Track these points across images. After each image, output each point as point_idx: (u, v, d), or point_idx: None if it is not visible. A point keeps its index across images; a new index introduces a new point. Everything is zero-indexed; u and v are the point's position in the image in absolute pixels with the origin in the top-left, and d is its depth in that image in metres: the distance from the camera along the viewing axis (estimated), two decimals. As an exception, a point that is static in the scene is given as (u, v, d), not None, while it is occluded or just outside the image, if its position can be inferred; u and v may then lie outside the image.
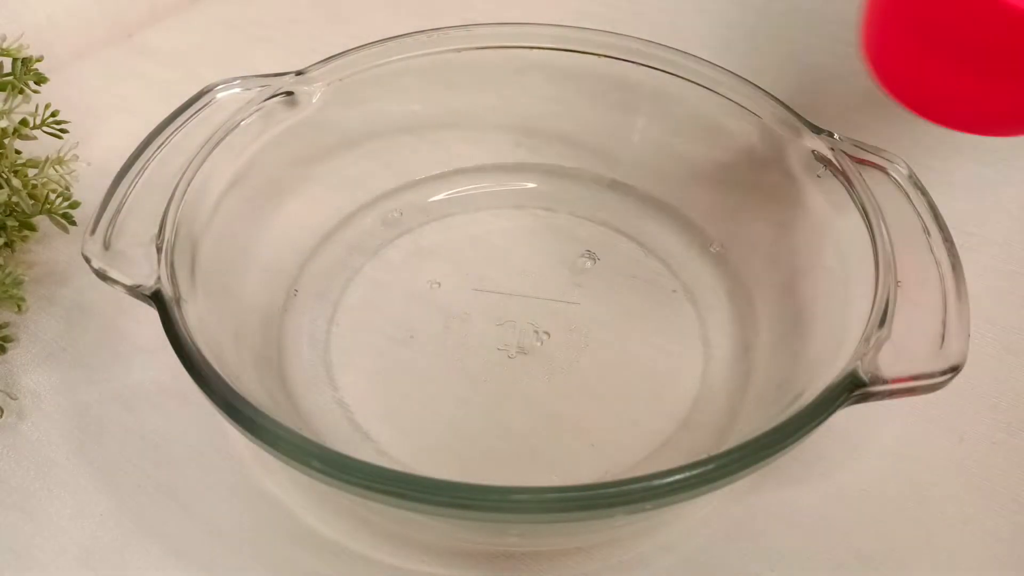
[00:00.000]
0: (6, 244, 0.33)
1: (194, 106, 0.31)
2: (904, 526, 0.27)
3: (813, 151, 0.30)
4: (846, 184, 0.28)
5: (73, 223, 0.34)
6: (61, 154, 0.34)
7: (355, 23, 0.49)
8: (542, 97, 0.36)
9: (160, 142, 0.29)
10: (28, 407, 0.30)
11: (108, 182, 0.28)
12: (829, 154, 0.29)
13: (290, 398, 0.29)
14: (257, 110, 0.31)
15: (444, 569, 0.26)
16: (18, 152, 0.34)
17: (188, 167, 0.29)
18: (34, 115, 0.35)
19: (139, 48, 0.48)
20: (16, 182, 0.33)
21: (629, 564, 0.26)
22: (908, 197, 0.28)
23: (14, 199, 0.33)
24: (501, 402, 0.29)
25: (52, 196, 0.34)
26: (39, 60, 0.36)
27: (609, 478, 0.21)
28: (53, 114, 0.35)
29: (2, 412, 0.30)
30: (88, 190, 0.34)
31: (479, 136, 0.37)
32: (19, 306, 0.32)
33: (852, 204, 0.28)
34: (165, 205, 0.27)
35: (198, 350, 0.23)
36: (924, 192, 0.28)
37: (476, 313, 0.32)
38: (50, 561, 0.26)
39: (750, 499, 0.28)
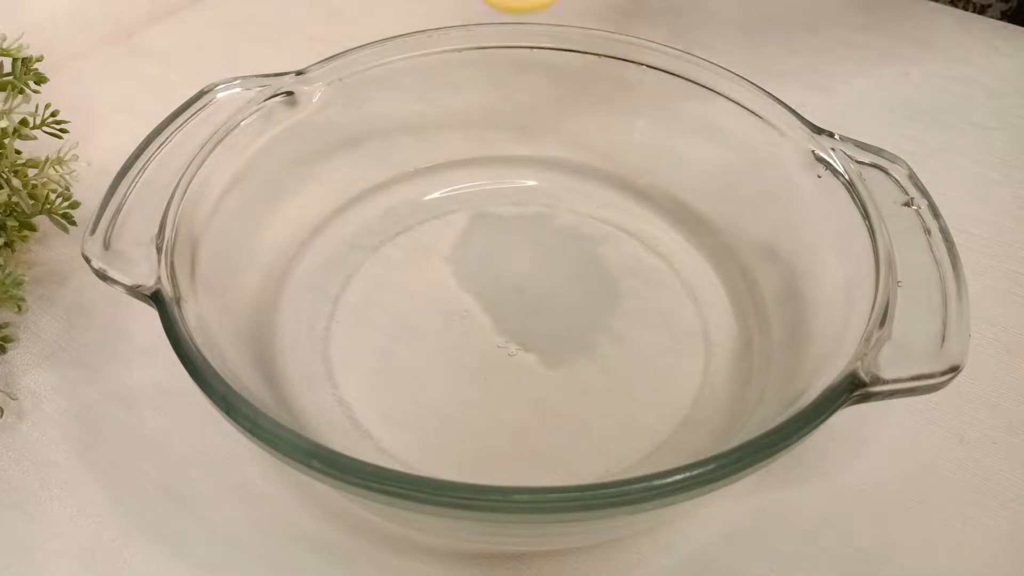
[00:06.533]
0: (6, 244, 0.33)
1: (194, 106, 0.31)
2: (904, 526, 0.27)
3: (813, 151, 0.30)
4: (846, 184, 0.28)
5: (73, 223, 0.34)
6: (61, 154, 0.34)
7: (355, 23, 0.49)
8: (542, 97, 0.36)
9: (160, 142, 0.29)
10: (28, 407, 0.30)
11: (108, 182, 0.28)
12: (829, 154, 0.29)
13: (289, 397, 0.29)
14: (257, 110, 0.31)
15: (444, 569, 0.26)
16: (18, 152, 0.34)
17: (188, 167, 0.29)
18: (34, 115, 0.35)
19: (139, 48, 0.48)
20: (16, 182, 0.33)
21: (629, 564, 0.26)
22: (908, 197, 0.28)
23: (14, 199, 0.33)
24: (501, 401, 0.29)
25: (52, 196, 0.34)
26: (39, 60, 0.36)
27: (609, 478, 0.21)
28: (53, 114, 0.35)
29: (2, 412, 0.30)
30: (88, 190, 0.34)
31: (479, 135, 0.37)
32: (19, 306, 0.32)
33: (852, 204, 0.28)
34: (165, 205, 0.27)
35: (198, 350, 0.23)
36: (924, 192, 0.28)
37: (476, 311, 0.32)
38: (50, 561, 0.26)
39: (750, 499, 0.28)
